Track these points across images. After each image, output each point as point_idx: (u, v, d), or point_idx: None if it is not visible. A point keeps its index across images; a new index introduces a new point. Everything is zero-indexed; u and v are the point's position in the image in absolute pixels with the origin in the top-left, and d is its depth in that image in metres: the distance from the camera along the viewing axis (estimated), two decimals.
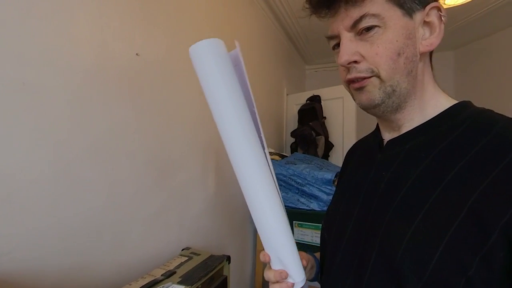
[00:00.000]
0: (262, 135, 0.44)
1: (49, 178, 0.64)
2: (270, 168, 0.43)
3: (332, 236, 0.50)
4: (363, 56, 0.40)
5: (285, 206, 1.58)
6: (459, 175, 0.35)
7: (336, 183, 1.58)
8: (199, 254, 0.96)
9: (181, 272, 0.82)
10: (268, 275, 0.46)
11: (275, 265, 0.46)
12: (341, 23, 0.41)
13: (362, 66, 0.41)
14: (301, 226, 1.57)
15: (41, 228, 0.62)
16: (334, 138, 2.22)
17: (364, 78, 0.41)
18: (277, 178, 1.65)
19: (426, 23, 0.41)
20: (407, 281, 0.35)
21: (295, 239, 1.63)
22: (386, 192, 0.42)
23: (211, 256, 0.95)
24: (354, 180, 0.51)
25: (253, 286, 1.72)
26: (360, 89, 0.42)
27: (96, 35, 0.75)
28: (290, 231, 0.45)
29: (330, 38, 0.45)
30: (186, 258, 0.92)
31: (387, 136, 0.48)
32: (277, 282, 0.46)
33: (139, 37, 0.88)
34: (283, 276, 0.45)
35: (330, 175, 1.51)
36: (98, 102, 0.75)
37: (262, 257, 0.46)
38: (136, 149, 0.87)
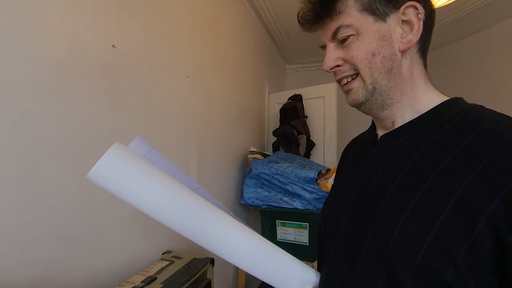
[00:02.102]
0: (220, 204, 0.45)
1: (13, 179, 0.57)
2: (247, 229, 0.45)
3: (328, 230, 0.52)
4: (344, 60, 0.46)
5: (268, 205, 1.56)
6: (448, 167, 0.37)
7: (318, 182, 1.60)
8: (181, 258, 0.92)
9: (162, 277, 0.78)
10: None
11: None
12: (325, 35, 0.47)
13: (345, 67, 0.46)
14: (284, 225, 1.56)
15: (2, 235, 0.55)
16: (315, 137, 2.24)
17: (348, 77, 0.46)
18: (260, 177, 1.63)
19: (405, 22, 0.43)
20: (397, 269, 0.36)
21: (279, 239, 1.60)
22: (379, 185, 0.43)
23: (194, 259, 0.91)
24: (350, 174, 0.53)
25: (236, 287, 1.69)
26: (348, 91, 0.48)
27: (68, 23, 0.68)
28: (295, 262, 0.48)
29: (322, 47, 0.50)
30: (168, 263, 0.87)
31: (381, 132, 0.50)
32: None
33: (116, 27, 0.82)
34: None
35: (312, 174, 1.52)
36: (70, 97, 0.69)
37: None
38: None
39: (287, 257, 0.48)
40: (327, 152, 2.22)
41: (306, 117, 2.25)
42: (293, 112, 2.19)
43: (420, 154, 0.40)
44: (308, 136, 2.19)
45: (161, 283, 0.74)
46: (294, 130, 2.10)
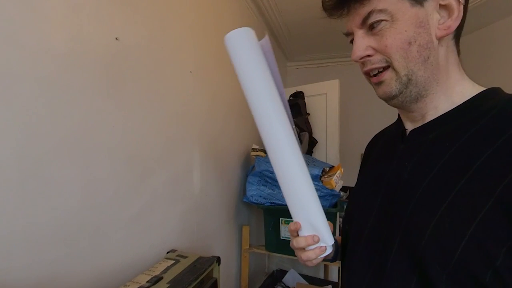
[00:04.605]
0: (290, 112, 0.49)
1: (14, 178, 0.55)
2: (297, 141, 0.48)
3: (353, 228, 0.50)
4: (375, 49, 0.42)
5: (272, 203, 1.55)
6: (486, 164, 0.34)
7: (322, 179, 1.58)
8: (186, 257, 0.90)
9: (168, 277, 0.76)
10: (299, 241, 0.48)
11: (306, 231, 0.47)
12: (353, 21, 0.43)
13: (376, 58, 0.42)
14: (288, 223, 1.54)
15: (4, 236, 0.53)
16: (317, 134, 2.22)
17: (380, 69, 0.42)
18: (263, 174, 1.61)
19: (442, 7, 0.40)
20: (430, 270, 0.35)
21: (282, 237, 1.59)
22: (409, 182, 0.41)
23: (200, 258, 0.89)
24: (376, 171, 0.51)
25: (239, 286, 1.68)
26: (379, 83, 0.44)
27: (71, 16, 0.66)
28: (318, 198, 0.48)
29: (346, 35, 0.47)
30: (173, 262, 0.86)
31: (409, 126, 0.48)
32: (309, 247, 0.47)
33: (119, 20, 0.80)
34: (316, 240, 0.46)
35: (317, 171, 1.50)
36: (73, 91, 0.67)
37: (293, 226, 0.48)
38: (115, 145, 0.79)
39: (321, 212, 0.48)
40: (330, 149, 2.21)
41: (308, 114, 2.23)
42: (295, 109, 2.17)
43: (454, 150, 0.38)
44: (310, 133, 2.17)
45: (167, 283, 0.72)
46: (296, 128, 2.09)
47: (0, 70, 0.53)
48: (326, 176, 1.60)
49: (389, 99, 0.44)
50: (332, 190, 1.48)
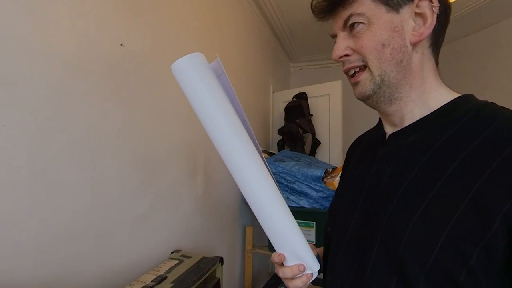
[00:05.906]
0: (257, 141, 0.46)
1: (24, 180, 0.57)
2: (269, 170, 0.45)
3: (336, 230, 0.51)
4: (353, 50, 0.45)
5: None
6: (461, 167, 0.36)
7: (324, 180, 1.59)
8: (190, 257, 0.92)
9: (172, 276, 0.77)
10: (285, 272, 0.48)
11: (291, 261, 0.47)
12: (336, 24, 0.46)
13: (353, 57, 0.45)
14: None
15: (14, 236, 0.56)
16: (320, 135, 2.23)
17: (357, 67, 0.45)
18: None
19: (418, 15, 0.42)
20: (409, 270, 0.36)
21: None
22: (388, 185, 0.42)
23: (203, 258, 0.91)
24: (357, 174, 0.51)
25: (243, 286, 1.69)
26: (356, 83, 0.46)
27: (77, 23, 0.68)
28: (297, 224, 0.47)
29: (332, 37, 0.49)
30: (177, 262, 0.87)
31: (389, 129, 0.49)
32: (295, 276, 0.47)
33: (124, 26, 0.82)
34: (301, 269, 0.46)
35: (319, 172, 1.51)
36: (80, 96, 0.69)
37: (277, 258, 0.48)
38: (121, 147, 0.81)
39: (301, 236, 0.48)
40: (333, 150, 2.21)
41: (311, 115, 2.24)
42: (298, 110, 2.17)
43: (431, 153, 0.39)
44: (313, 134, 2.18)
45: (171, 282, 0.74)
46: (299, 129, 2.09)
47: (10, 75, 0.55)
48: (329, 177, 1.61)
49: (364, 99, 0.46)
50: (334, 191, 1.49)
